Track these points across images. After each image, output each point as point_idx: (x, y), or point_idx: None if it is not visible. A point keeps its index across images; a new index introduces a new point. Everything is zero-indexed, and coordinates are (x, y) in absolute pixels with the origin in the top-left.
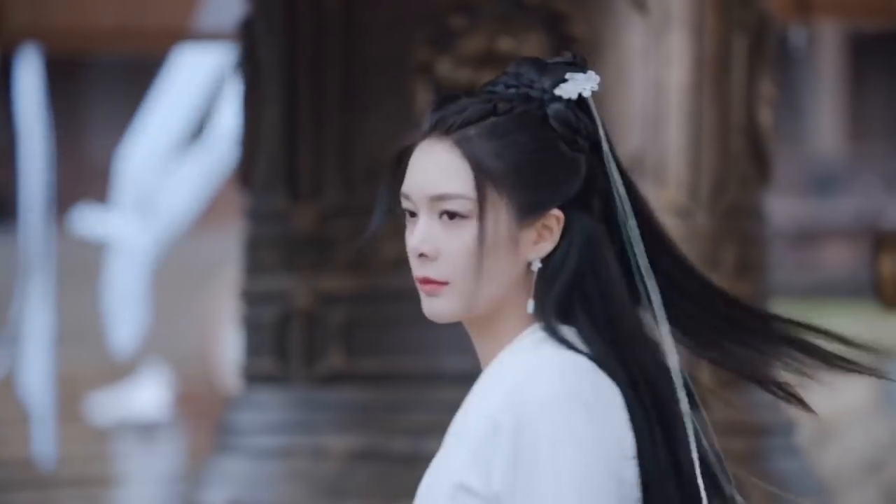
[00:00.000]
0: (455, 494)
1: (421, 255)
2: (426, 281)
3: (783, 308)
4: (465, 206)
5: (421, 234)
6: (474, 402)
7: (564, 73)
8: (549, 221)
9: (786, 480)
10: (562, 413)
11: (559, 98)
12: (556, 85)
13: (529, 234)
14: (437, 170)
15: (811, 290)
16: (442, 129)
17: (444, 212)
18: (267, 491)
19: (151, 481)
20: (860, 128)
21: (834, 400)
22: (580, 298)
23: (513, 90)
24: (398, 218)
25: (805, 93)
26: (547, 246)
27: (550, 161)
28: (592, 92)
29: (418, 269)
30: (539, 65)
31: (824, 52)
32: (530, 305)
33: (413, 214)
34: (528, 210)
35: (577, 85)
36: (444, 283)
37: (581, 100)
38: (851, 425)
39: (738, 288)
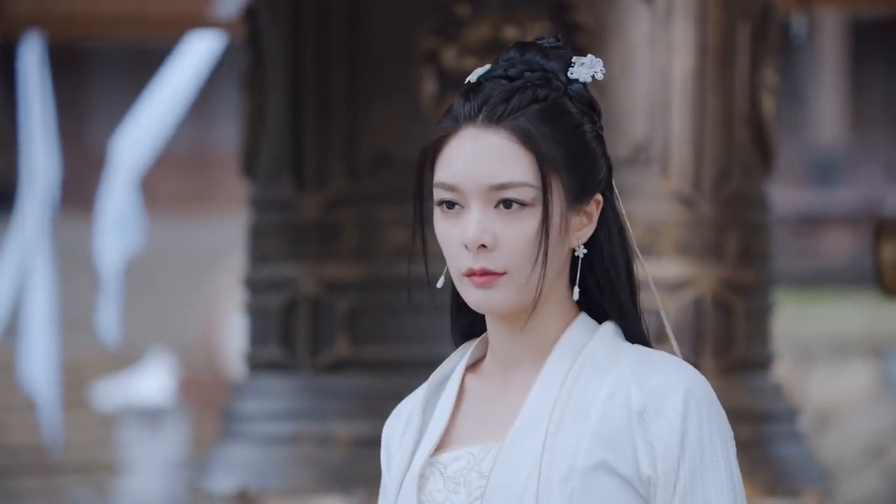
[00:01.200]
0: (591, 473)
1: (481, 246)
2: (483, 272)
3: (785, 295)
4: (528, 194)
5: (479, 225)
6: (580, 390)
7: (569, 57)
8: (590, 206)
9: (788, 466)
10: (715, 403)
11: (576, 81)
12: (565, 69)
13: (575, 220)
14: (495, 159)
15: (812, 277)
16: (490, 118)
17: (502, 201)
18: (273, 478)
19: (156, 468)
20: (861, 116)
21: (836, 386)
22: (621, 284)
23: (529, 74)
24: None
25: (806, 81)
26: (587, 231)
27: (589, 144)
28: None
29: (471, 261)
30: (541, 49)
31: (825, 41)
32: (576, 293)
33: (451, 206)
34: (580, 195)
35: (588, 68)
36: (502, 274)
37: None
38: (853, 411)
39: (742, 275)
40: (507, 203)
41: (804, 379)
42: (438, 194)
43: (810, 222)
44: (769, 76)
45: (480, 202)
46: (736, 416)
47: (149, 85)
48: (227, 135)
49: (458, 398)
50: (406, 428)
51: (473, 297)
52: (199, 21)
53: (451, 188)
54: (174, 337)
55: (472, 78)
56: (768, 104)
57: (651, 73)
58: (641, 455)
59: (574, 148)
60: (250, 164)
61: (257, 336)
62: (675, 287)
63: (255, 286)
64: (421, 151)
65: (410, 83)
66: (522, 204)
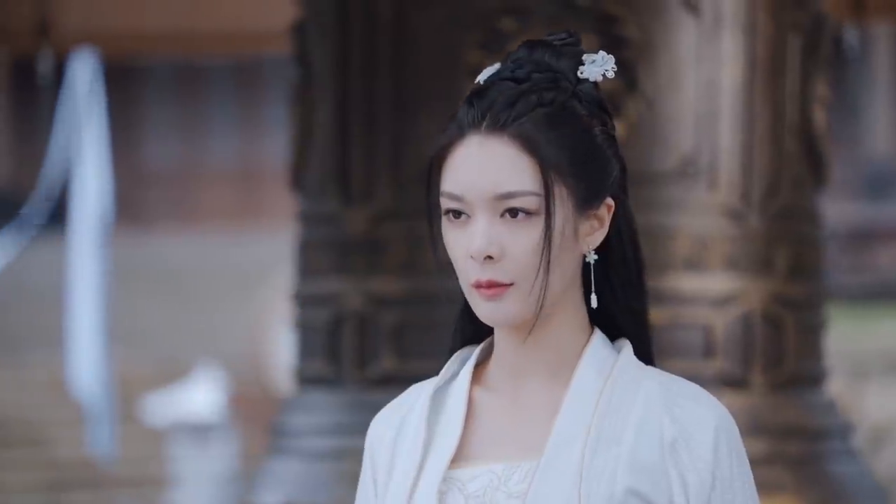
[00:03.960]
0: (626, 500)
1: (487, 257)
2: (491, 284)
3: (839, 311)
4: (534, 202)
5: (486, 236)
6: (614, 410)
7: (580, 55)
8: (601, 210)
9: (843, 484)
10: (739, 436)
11: (586, 80)
12: (575, 68)
13: (585, 226)
14: (499, 167)
15: (867, 292)
16: (494, 124)
17: (508, 210)
18: (320, 492)
19: (205, 482)
20: None
21: (892, 403)
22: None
23: (538, 76)
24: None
25: (860, 95)
26: (599, 236)
27: (599, 146)
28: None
29: (479, 273)
30: (551, 47)
31: (879, 54)
32: (593, 300)
33: (457, 215)
34: (590, 199)
35: (599, 66)
36: (509, 285)
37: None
38: None
39: (792, 290)
40: (514, 212)
41: (859, 395)
42: (445, 203)
43: (865, 237)
44: (821, 89)
45: (486, 212)
46: (787, 433)
47: (197, 101)
48: (276, 149)
49: (467, 411)
50: (399, 436)
51: (482, 309)
52: (248, 36)
53: (457, 197)
54: (223, 351)
55: (481, 79)
56: (820, 117)
57: (698, 85)
58: (675, 486)
59: (582, 151)
60: (298, 179)
61: (305, 351)
62: (723, 302)
63: (302, 301)
64: (428, 160)
65: (456, 97)
66: (528, 213)
